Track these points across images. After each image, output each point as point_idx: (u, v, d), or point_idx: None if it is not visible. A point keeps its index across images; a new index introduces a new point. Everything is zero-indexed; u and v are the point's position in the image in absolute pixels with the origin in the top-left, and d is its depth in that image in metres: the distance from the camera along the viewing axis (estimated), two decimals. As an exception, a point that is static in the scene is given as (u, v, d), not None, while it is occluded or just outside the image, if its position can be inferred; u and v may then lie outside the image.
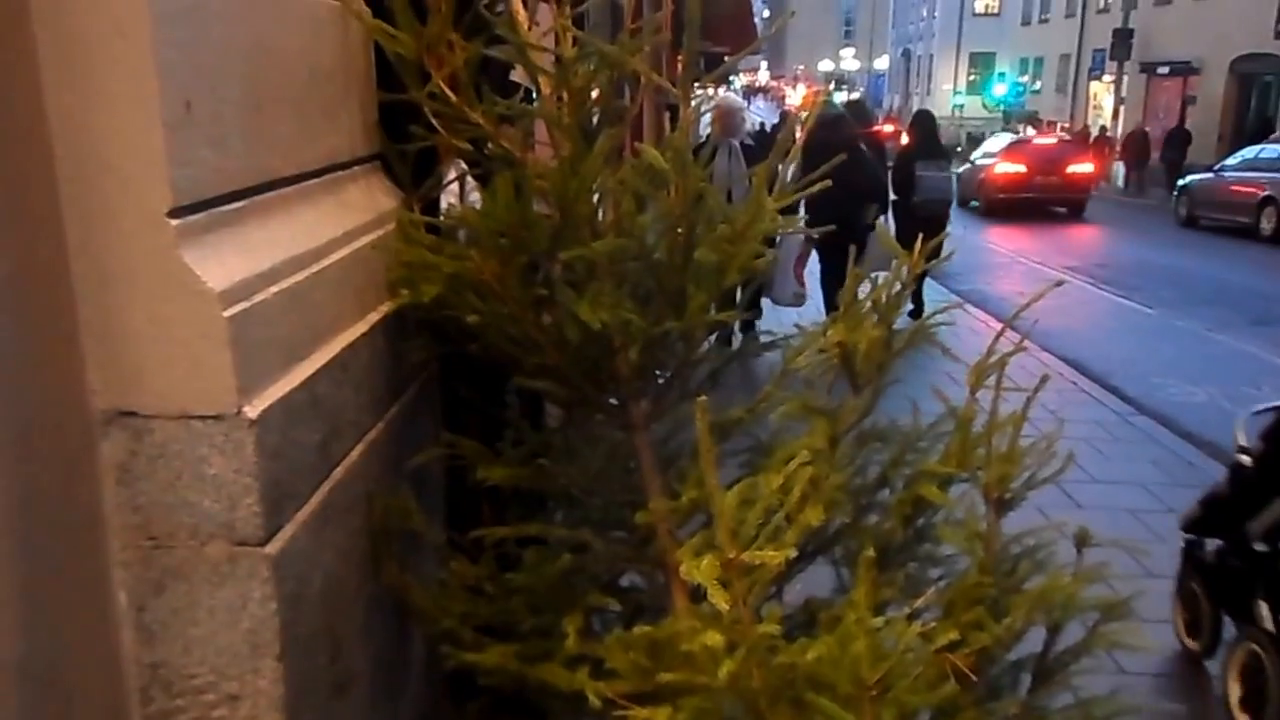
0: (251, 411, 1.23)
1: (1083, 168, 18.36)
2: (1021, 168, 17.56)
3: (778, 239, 6.39)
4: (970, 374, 1.68)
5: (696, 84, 2.33)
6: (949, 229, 8.15)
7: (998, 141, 19.84)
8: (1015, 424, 1.59)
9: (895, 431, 1.83)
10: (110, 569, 1.26)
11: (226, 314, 1.21)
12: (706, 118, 6.56)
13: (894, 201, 7.99)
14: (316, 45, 1.65)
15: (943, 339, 1.82)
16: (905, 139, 9.74)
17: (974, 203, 17.61)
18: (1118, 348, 7.78)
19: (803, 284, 7.15)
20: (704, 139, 6.18)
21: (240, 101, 1.35)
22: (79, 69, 1.15)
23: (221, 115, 1.30)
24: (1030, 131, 24.24)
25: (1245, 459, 2.94)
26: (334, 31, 1.72)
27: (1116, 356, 7.41)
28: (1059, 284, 1.64)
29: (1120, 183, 23.54)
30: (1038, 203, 17.63)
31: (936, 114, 10.05)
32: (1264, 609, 2.77)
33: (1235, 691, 2.88)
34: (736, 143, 6.53)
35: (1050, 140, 19.84)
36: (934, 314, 1.72)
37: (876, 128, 10.86)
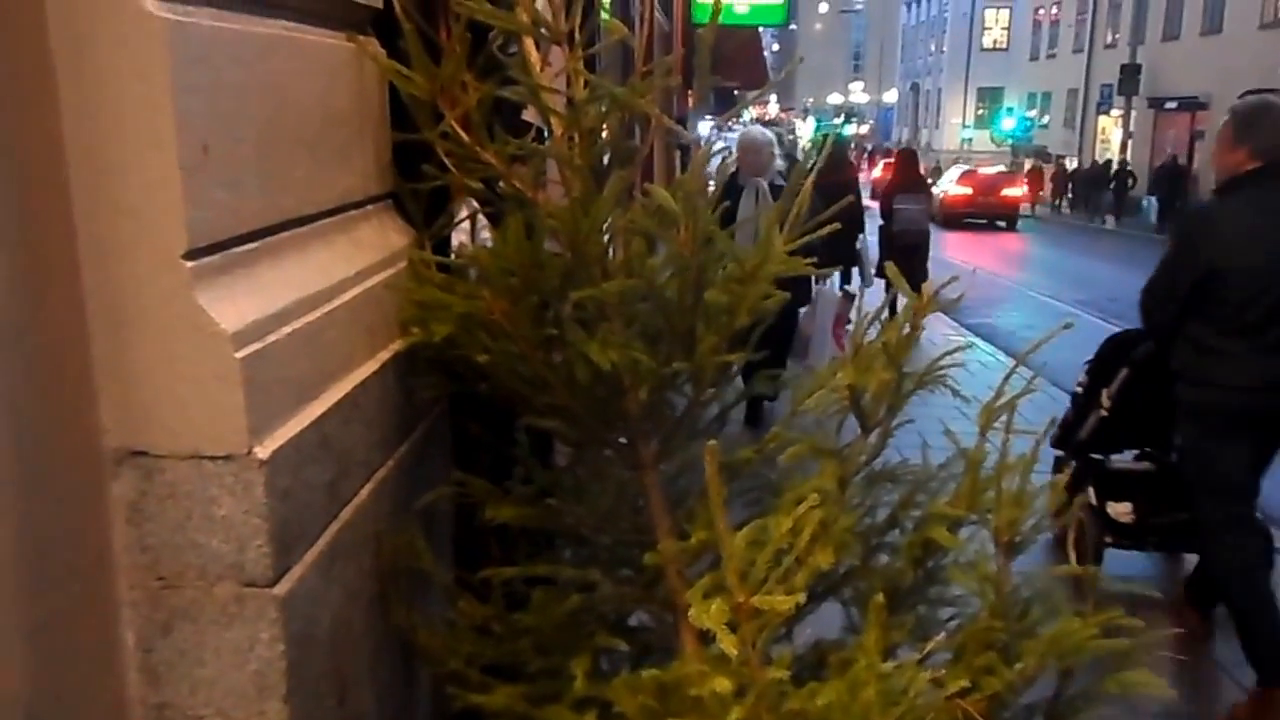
0: (262, 452, 1.24)
1: (1014, 191, 23.92)
2: (968, 190, 23.04)
3: (814, 296, 6.19)
4: (980, 415, 1.68)
5: (709, 119, 2.33)
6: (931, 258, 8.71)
7: (955, 172, 25.06)
8: (1025, 467, 1.59)
9: (905, 471, 1.82)
10: (118, 609, 1.26)
11: (239, 355, 1.22)
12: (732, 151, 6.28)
13: (880, 228, 8.70)
14: (332, 87, 1.67)
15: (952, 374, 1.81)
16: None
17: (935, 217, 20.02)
18: (1129, 383, 7.72)
19: (842, 347, 6.85)
20: (732, 173, 5.81)
21: (257, 143, 1.37)
22: (99, 112, 1.17)
23: (238, 157, 1.32)
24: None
25: (1078, 389, 4.16)
26: (349, 73, 1.74)
27: (1128, 392, 7.35)
28: (1067, 325, 1.64)
29: (1154, 218, 23.40)
30: (979, 216, 22.73)
31: (945, 147, 10.67)
32: (1090, 489, 4.04)
33: (1072, 553, 3.65)
34: (765, 183, 5.68)
35: (991, 170, 25.36)
36: (945, 355, 1.72)
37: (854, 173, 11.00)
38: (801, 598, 1.24)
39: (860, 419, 1.61)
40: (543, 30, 1.79)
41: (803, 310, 6.22)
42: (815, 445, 1.58)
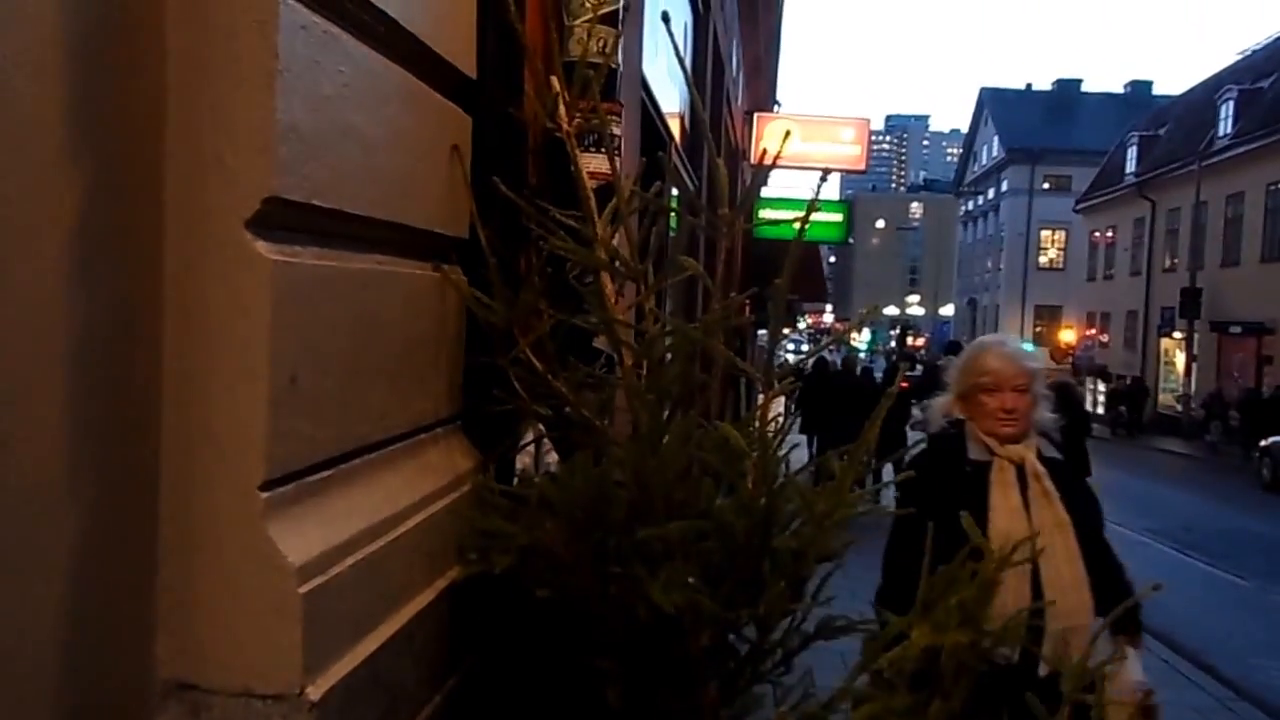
0: (314, 693, 1.20)
1: None
2: None
3: None
4: (1066, 683, 1.57)
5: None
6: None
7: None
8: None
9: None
10: None
11: (302, 590, 1.20)
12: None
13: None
14: (414, 315, 1.72)
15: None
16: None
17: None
18: (1211, 622, 7.27)
19: None
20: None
21: (340, 373, 1.40)
22: (200, 344, 1.22)
23: (322, 388, 1.35)
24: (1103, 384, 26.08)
25: None
26: (432, 300, 1.80)
27: (1210, 633, 6.91)
28: (1156, 588, 1.56)
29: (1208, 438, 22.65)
30: None
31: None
32: None
33: None
34: None
35: None
36: (1022, 612, 1.63)
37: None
38: None
39: (938, 682, 1.51)
40: (618, 265, 1.86)
41: None
42: (889, 707, 1.48)
